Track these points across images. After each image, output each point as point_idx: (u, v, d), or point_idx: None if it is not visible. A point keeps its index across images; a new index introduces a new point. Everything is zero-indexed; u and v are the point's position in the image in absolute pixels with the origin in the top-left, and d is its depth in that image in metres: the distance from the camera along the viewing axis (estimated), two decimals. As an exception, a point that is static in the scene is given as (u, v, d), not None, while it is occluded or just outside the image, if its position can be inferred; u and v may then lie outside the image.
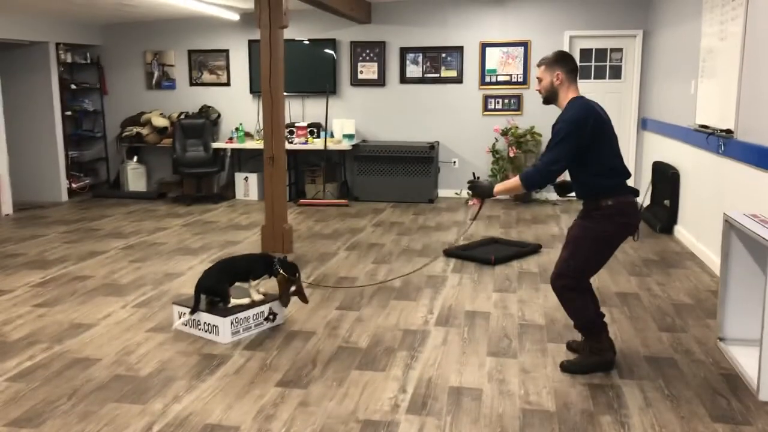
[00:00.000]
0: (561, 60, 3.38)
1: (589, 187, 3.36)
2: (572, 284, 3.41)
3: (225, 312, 3.90)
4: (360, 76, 8.85)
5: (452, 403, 3.14)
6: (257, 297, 4.08)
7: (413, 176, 8.39)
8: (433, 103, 8.75)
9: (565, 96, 3.38)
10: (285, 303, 4.11)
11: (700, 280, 5.05)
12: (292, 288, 4.08)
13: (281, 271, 4.02)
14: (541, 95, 3.46)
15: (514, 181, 3.36)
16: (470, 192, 3.62)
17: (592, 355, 3.48)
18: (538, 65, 3.46)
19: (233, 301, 4.01)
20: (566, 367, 3.48)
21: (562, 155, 3.23)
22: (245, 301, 4.04)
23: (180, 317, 4.05)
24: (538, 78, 3.44)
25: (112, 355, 3.72)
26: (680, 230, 6.34)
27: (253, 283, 4.08)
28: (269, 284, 4.15)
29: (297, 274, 4.09)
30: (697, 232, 5.84)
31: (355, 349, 3.79)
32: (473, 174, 3.91)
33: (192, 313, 3.95)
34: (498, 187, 3.47)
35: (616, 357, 3.61)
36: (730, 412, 3.03)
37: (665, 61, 7.28)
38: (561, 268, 3.44)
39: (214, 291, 4.02)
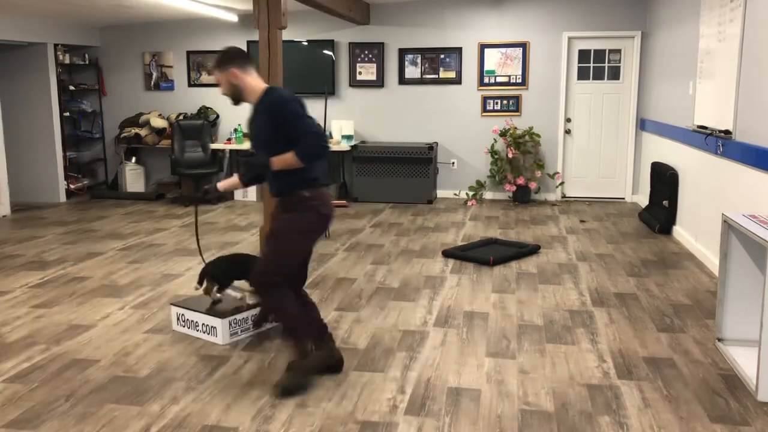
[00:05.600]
0: (229, 58, 3.26)
1: (289, 177, 3.25)
2: (271, 283, 3.26)
3: (223, 313, 3.90)
4: (359, 77, 8.85)
5: (451, 404, 3.13)
6: (252, 301, 4.06)
7: (412, 177, 8.39)
8: (432, 104, 8.75)
9: (254, 87, 3.28)
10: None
11: (699, 281, 5.05)
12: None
13: None
14: (229, 97, 3.35)
15: (291, 156, 3.15)
16: (244, 167, 3.45)
17: (301, 359, 3.33)
18: (212, 70, 3.37)
19: (229, 291, 4.03)
20: (284, 389, 3.24)
21: (317, 125, 3.15)
22: (237, 294, 4.05)
23: (178, 319, 4.05)
24: (217, 82, 3.33)
25: (111, 356, 3.71)
26: (679, 231, 6.35)
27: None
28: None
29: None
30: (695, 232, 5.85)
31: (353, 350, 3.78)
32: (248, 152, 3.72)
33: (220, 291, 4.03)
34: (274, 159, 3.22)
35: (614, 358, 3.61)
36: (729, 413, 3.03)
37: (663, 62, 7.29)
38: (264, 265, 3.28)
39: (217, 279, 4.03)
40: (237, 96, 3.32)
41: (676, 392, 3.23)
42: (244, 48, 8.97)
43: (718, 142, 5.15)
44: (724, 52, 5.13)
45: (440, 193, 8.89)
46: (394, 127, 8.85)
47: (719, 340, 3.73)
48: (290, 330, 3.34)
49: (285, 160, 3.20)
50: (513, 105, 8.56)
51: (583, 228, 6.96)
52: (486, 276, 5.23)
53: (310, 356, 3.37)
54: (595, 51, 8.33)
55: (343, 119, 8.83)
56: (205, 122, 8.90)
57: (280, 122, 3.17)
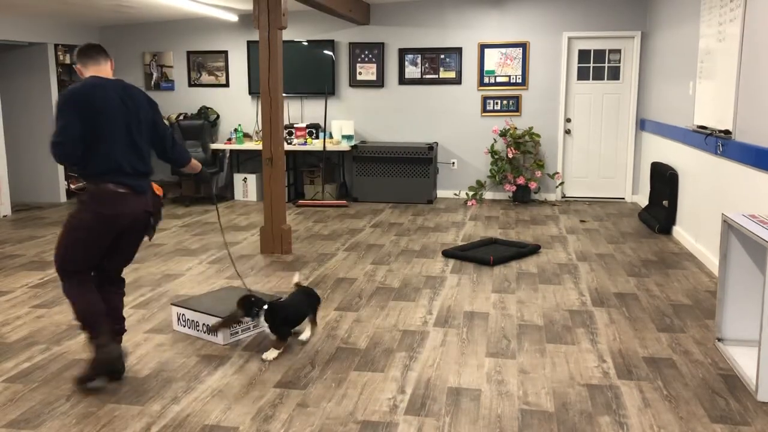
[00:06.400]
0: (76, 54, 3.34)
1: (78, 171, 3.27)
2: (62, 273, 3.31)
3: (223, 313, 3.90)
4: (359, 77, 8.85)
5: (451, 404, 3.14)
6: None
7: (412, 177, 8.40)
8: (432, 104, 8.75)
9: None
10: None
11: (699, 281, 5.05)
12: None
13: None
14: None
15: None
16: None
17: (96, 352, 3.27)
18: None
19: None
20: (79, 379, 3.29)
21: (61, 129, 3.09)
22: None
23: (178, 319, 4.05)
24: None
25: (111, 356, 3.71)
26: (679, 231, 6.35)
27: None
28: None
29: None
30: (695, 232, 5.85)
31: (353, 350, 3.79)
32: None
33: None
34: None
35: (614, 358, 3.61)
36: (729, 413, 3.03)
37: (663, 62, 7.29)
38: (54, 255, 3.35)
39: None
40: None
41: (676, 392, 3.24)
42: (244, 48, 8.97)
43: (717, 142, 5.15)
44: (724, 52, 5.13)
45: (440, 193, 8.89)
46: (394, 127, 8.86)
47: (719, 340, 3.73)
48: (79, 325, 3.33)
49: None
50: (513, 105, 8.56)
51: (583, 228, 6.96)
52: (486, 276, 5.23)
53: (101, 354, 3.25)
54: (595, 51, 8.33)
55: (343, 119, 8.83)
56: (205, 122, 8.90)
57: None
